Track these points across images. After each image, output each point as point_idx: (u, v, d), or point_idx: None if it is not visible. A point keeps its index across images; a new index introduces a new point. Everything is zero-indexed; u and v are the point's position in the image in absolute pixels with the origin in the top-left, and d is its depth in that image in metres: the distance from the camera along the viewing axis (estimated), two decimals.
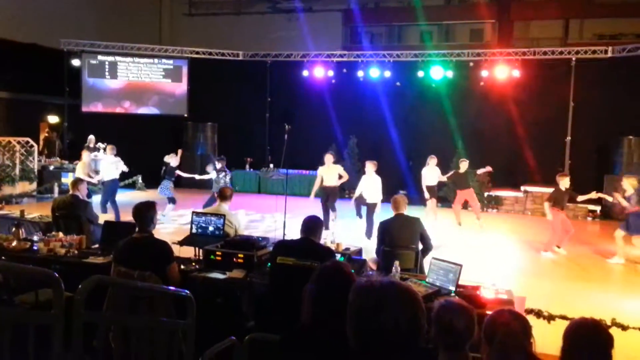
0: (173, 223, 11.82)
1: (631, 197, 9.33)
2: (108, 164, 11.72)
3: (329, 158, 11.17)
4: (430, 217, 11.85)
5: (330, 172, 11.15)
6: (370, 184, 10.71)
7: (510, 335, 2.79)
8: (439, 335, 2.77)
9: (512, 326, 2.88)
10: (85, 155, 12.00)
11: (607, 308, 6.46)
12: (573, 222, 13.24)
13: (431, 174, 12.27)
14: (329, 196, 11.09)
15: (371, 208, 10.60)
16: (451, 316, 2.76)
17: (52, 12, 19.53)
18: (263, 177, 17.33)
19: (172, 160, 12.32)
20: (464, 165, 12.31)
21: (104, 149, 16.26)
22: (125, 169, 11.95)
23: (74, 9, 20.21)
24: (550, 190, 10.51)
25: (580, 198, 10.03)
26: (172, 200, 12.12)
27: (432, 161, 12.33)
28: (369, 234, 10.25)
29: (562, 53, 15.71)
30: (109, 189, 11.55)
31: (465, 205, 13.08)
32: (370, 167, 10.80)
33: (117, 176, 11.76)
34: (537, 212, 14.37)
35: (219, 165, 11.81)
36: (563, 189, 9.86)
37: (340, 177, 11.18)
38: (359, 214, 11.70)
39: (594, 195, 9.92)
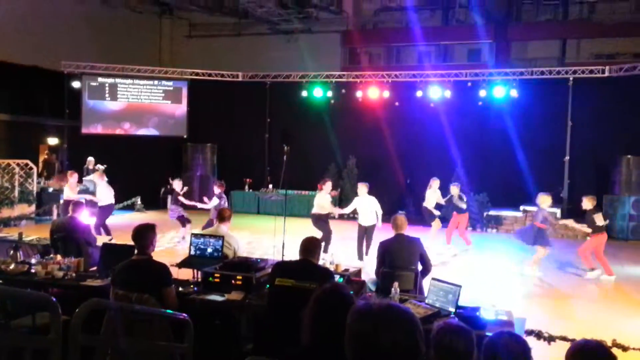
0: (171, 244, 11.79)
1: (542, 213, 9.86)
2: (103, 188, 11.75)
3: (362, 189, 10.69)
4: (432, 237, 11.81)
5: (365, 206, 10.65)
6: (366, 206, 10.60)
7: (505, 350, 2.78)
8: (438, 357, 2.76)
9: (512, 348, 2.87)
10: (71, 177, 12.06)
11: (607, 328, 6.43)
12: (572, 240, 13.28)
13: (434, 196, 12.23)
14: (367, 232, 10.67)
15: (369, 230, 10.54)
16: (450, 338, 2.76)
17: (53, 34, 19.70)
18: (262, 197, 17.32)
19: (177, 185, 12.33)
20: (454, 190, 12.18)
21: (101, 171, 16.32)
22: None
23: (74, 31, 20.38)
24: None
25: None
26: (186, 221, 12.08)
27: (434, 183, 12.30)
28: (361, 255, 10.31)
29: (559, 73, 15.81)
30: (105, 213, 11.50)
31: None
32: (362, 188, 10.65)
33: (112, 200, 11.78)
34: None
35: (217, 191, 11.78)
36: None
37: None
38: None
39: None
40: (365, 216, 10.59)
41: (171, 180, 12.61)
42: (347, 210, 11.30)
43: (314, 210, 10.69)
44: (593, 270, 9.86)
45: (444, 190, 12.48)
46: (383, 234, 8.14)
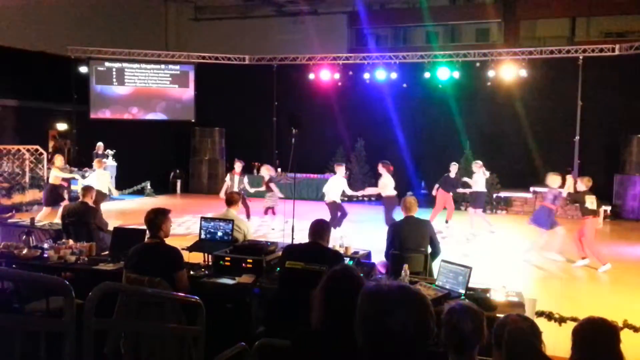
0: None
1: (552, 192, 9.59)
2: (100, 176, 11.63)
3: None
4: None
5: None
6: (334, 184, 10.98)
7: (518, 333, 2.80)
8: (447, 338, 2.77)
9: (520, 325, 2.88)
10: (58, 160, 12.08)
11: (619, 310, 6.41)
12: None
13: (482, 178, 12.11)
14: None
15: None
16: (458, 318, 2.76)
17: (59, 19, 19.67)
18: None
19: (266, 172, 12.08)
20: (454, 169, 12.24)
21: (111, 156, 16.36)
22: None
23: (81, 16, 20.34)
24: (564, 190, 10.22)
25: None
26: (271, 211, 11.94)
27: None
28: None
29: (569, 52, 15.64)
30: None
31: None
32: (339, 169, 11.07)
33: (107, 191, 11.75)
34: None
35: (238, 169, 11.71)
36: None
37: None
38: None
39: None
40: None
41: (259, 165, 12.32)
42: (359, 193, 11.76)
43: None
44: (584, 258, 9.37)
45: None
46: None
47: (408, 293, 1.81)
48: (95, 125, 17.72)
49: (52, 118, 20.59)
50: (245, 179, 12.04)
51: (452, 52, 16.78)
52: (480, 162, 12.06)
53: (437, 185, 12.37)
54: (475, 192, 12.00)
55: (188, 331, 3.94)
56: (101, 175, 11.69)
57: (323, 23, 24.17)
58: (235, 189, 11.23)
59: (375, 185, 11.69)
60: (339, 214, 10.99)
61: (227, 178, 12.00)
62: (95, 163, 12.30)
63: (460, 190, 12.72)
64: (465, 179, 12.28)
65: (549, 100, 15.32)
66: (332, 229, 10.52)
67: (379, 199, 11.93)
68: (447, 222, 12.46)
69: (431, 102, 16.28)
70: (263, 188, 12.06)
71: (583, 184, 9.41)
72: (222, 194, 11.14)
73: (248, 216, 11.69)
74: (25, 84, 18.45)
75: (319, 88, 17.21)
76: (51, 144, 20.05)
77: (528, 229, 11.83)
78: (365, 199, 16.32)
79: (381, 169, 10.85)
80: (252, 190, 11.98)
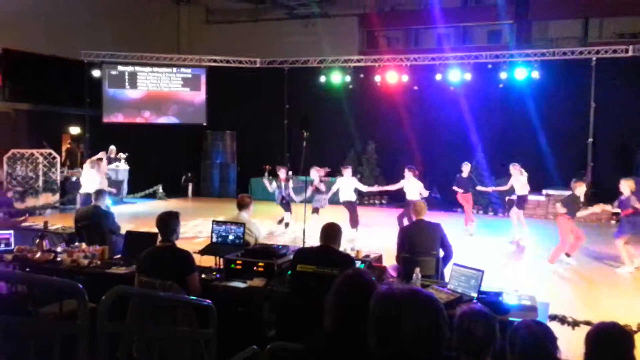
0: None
1: (628, 199, 8.99)
2: (92, 176, 11.41)
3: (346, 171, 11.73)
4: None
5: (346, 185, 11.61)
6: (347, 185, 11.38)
7: (533, 339, 2.78)
8: (459, 342, 2.76)
9: (534, 330, 2.87)
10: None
11: (632, 313, 6.35)
12: (596, 225, 13.06)
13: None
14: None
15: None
16: (469, 322, 2.76)
17: (72, 23, 19.83)
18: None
19: (315, 174, 11.97)
20: (466, 169, 12.17)
21: (124, 159, 16.43)
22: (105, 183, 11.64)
23: (93, 20, 20.50)
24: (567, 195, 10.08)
25: (580, 214, 9.62)
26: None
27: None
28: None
29: (582, 53, 15.53)
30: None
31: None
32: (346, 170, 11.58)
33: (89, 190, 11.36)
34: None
35: (283, 175, 11.73)
36: (579, 195, 9.42)
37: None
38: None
39: (597, 209, 9.75)
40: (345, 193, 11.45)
41: (269, 168, 12.18)
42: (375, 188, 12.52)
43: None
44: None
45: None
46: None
47: (420, 297, 1.81)
48: (108, 129, 17.83)
49: (65, 122, 20.74)
50: (291, 184, 11.99)
51: (463, 54, 16.72)
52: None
53: (455, 188, 12.29)
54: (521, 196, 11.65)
55: (200, 334, 3.95)
56: (92, 175, 11.42)
57: (334, 25, 24.20)
58: (282, 194, 11.66)
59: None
60: (357, 210, 11.22)
61: (274, 185, 11.94)
62: (87, 163, 11.96)
63: (482, 188, 12.63)
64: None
65: (562, 102, 15.19)
66: (353, 228, 10.80)
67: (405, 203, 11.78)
68: (466, 225, 12.17)
69: (443, 104, 16.21)
70: (309, 192, 11.92)
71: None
72: (278, 201, 11.93)
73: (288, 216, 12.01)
74: (38, 88, 18.60)
75: (330, 91, 17.20)
76: (64, 147, 20.17)
77: (540, 232, 11.77)
78: (377, 201, 16.31)
79: (407, 173, 11.18)
80: (298, 199, 11.87)
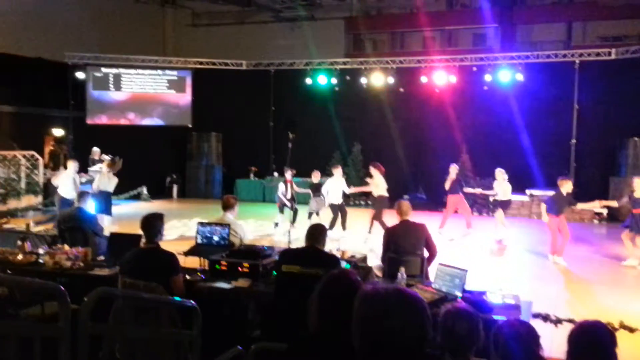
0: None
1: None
2: (67, 178, 11.21)
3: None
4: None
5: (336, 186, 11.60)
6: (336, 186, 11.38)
7: (516, 338, 2.80)
8: (443, 341, 2.77)
9: (518, 329, 2.88)
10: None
11: (614, 310, 6.41)
12: (579, 224, 13.20)
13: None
14: None
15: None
16: (453, 321, 2.77)
17: (56, 25, 19.69)
18: (267, 185, 17.32)
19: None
20: (453, 170, 12.15)
21: (103, 162, 16.27)
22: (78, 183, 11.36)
23: (78, 22, 20.37)
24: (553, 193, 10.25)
25: (580, 206, 9.77)
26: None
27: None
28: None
29: (565, 56, 15.69)
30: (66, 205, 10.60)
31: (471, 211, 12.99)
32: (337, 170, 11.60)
33: (74, 194, 10.80)
34: None
35: (290, 176, 11.69)
36: (564, 193, 9.58)
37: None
38: None
39: (597, 205, 9.81)
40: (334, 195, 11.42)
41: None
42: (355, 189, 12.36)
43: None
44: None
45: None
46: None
47: (404, 296, 1.81)
48: (92, 130, 17.68)
49: (49, 124, 20.56)
50: (295, 187, 12.00)
51: (449, 57, 16.82)
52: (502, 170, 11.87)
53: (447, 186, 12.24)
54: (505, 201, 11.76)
55: (184, 336, 3.93)
56: (65, 177, 11.25)
57: (320, 28, 24.26)
58: (289, 196, 11.59)
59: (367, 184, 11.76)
60: (339, 214, 11.22)
61: (281, 186, 11.89)
62: (70, 163, 11.70)
63: (469, 190, 12.65)
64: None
65: (546, 104, 15.33)
66: (330, 230, 10.68)
67: (371, 200, 11.87)
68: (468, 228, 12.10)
69: (428, 106, 16.28)
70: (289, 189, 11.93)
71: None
72: (282, 200, 11.80)
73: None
74: (22, 90, 18.44)
75: (316, 93, 17.22)
76: (47, 149, 20.00)
77: (524, 232, 11.85)
78: (362, 202, 16.33)
79: (372, 170, 11.12)
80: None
